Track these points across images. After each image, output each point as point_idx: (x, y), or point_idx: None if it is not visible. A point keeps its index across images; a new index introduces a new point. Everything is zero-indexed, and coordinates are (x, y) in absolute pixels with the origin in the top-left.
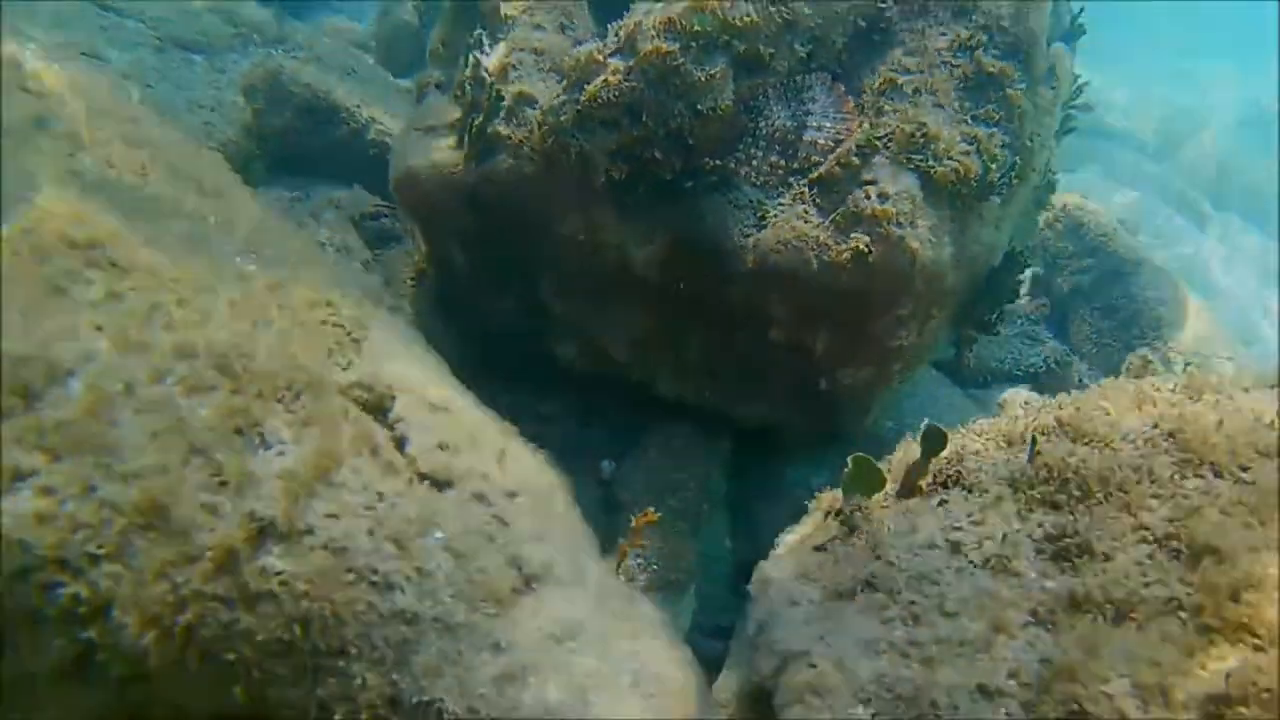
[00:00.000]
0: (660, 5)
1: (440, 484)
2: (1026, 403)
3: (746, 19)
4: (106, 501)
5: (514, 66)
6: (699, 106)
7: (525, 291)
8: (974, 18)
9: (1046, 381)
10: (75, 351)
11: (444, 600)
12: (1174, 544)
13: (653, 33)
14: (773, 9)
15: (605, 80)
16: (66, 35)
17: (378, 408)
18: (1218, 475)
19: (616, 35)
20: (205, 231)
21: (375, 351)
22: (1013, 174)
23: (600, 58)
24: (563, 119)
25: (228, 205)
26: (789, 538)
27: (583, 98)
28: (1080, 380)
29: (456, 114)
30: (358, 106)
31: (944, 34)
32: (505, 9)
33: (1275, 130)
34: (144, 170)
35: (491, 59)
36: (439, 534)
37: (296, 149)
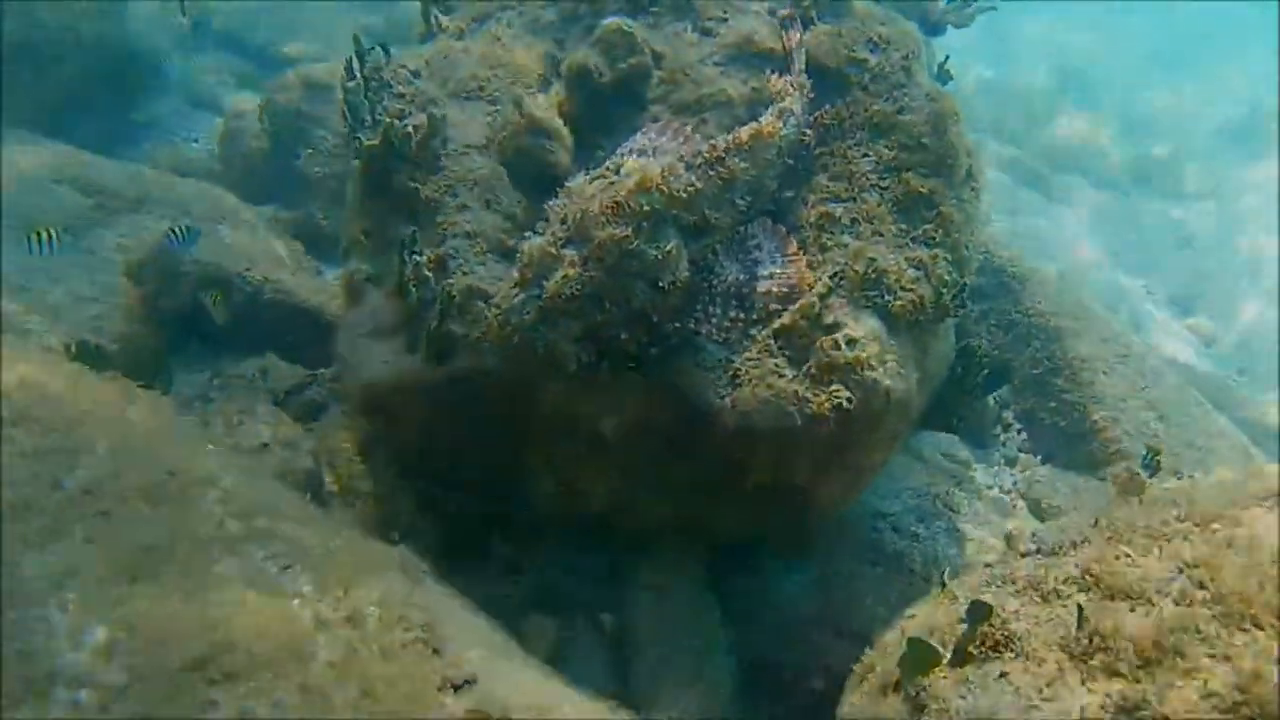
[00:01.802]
0: (599, 185)
1: None
2: (1034, 535)
3: (690, 189)
4: None
5: (451, 255)
6: (659, 283)
7: (496, 461)
8: (892, 135)
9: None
10: None
11: None
12: (1245, 711)
13: (603, 219)
14: (711, 172)
15: (564, 275)
16: None
17: None
18: (1258, 627)
19: (564, 223)
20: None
21: (461, 657)
22: (962, 293)
23: (554, 250)
24: (526, 318)
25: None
26: (845, 710)
27: (545, 295)
28: (996, 402)
29: (401, 314)
30: (248, 269)
31: (866, 155)
32: (425, 191)
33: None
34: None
35: (426, 252)
36: None
37: (195, 325)
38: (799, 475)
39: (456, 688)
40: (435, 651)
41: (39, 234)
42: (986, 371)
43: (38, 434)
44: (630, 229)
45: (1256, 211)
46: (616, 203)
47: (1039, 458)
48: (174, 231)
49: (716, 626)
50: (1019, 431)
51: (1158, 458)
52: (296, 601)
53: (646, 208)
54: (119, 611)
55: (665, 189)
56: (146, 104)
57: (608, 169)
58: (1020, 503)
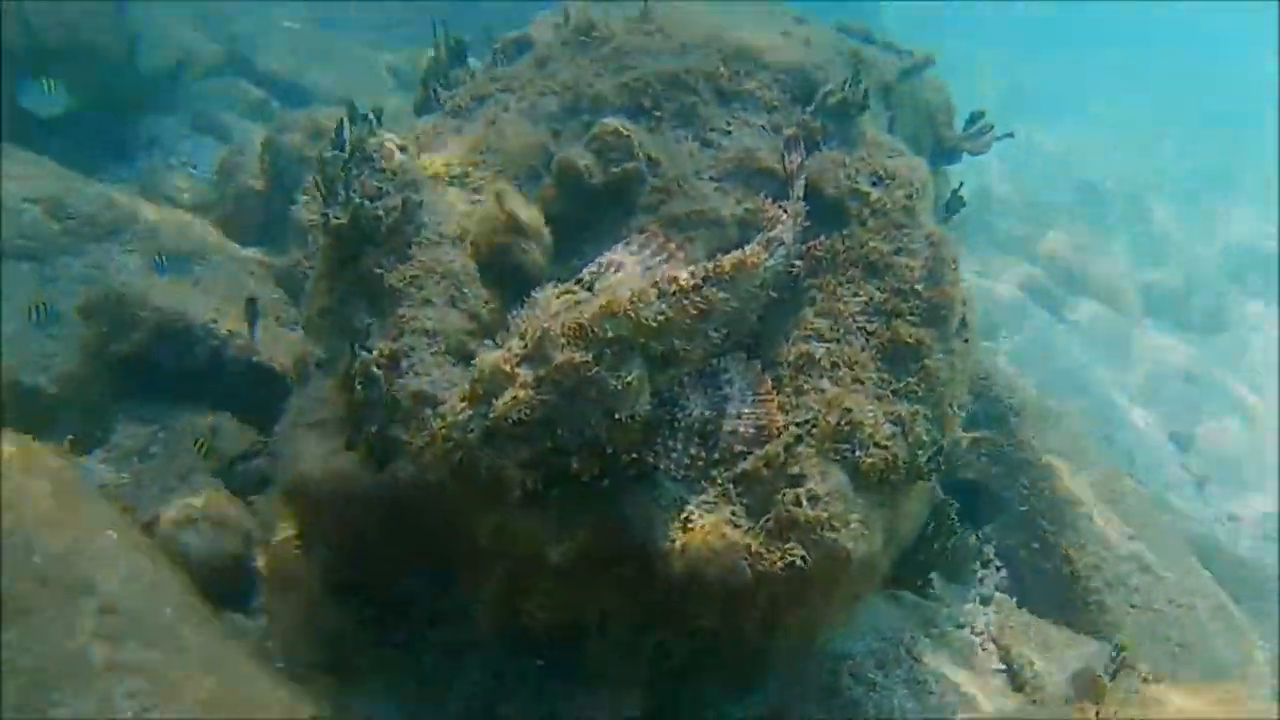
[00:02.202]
0: (565, 301)
1: None
2: None
3: (661, 317)
4: None
5: (406, 353)
6: (616, 415)
7: (435, 573)
8: (886, 278)
9: None
10: None
11: None
12: None
13: (563, 341)
14: (686, 302)
15: (515, 396)
16: None
17: None
18: None
19: (523, 339)
20: None
21: None
22: (939, 456)
23: (508, 368)
24: (470, 436)
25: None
26: None
27: (492, 415)
28: (978, 537)
29: (345, 409)
30: (214, 321)
31: (856, 294)
32: (390, 279)
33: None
34: None
35: (380, 344)
36: None
37: (148, 374)
38: (748, 629)
39: None
40: None
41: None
42: (956, 537)
43: None
44: (592, 355)
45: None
46: (580, 325)
47: (1015, 599)
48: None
49: None
50: (998, 569)
51: (1124, 654)
52: None
53: (611, 334)
54: None
55: (634, 316)
56: (148, 122)
57: (578, 283)
58: (990, 647)
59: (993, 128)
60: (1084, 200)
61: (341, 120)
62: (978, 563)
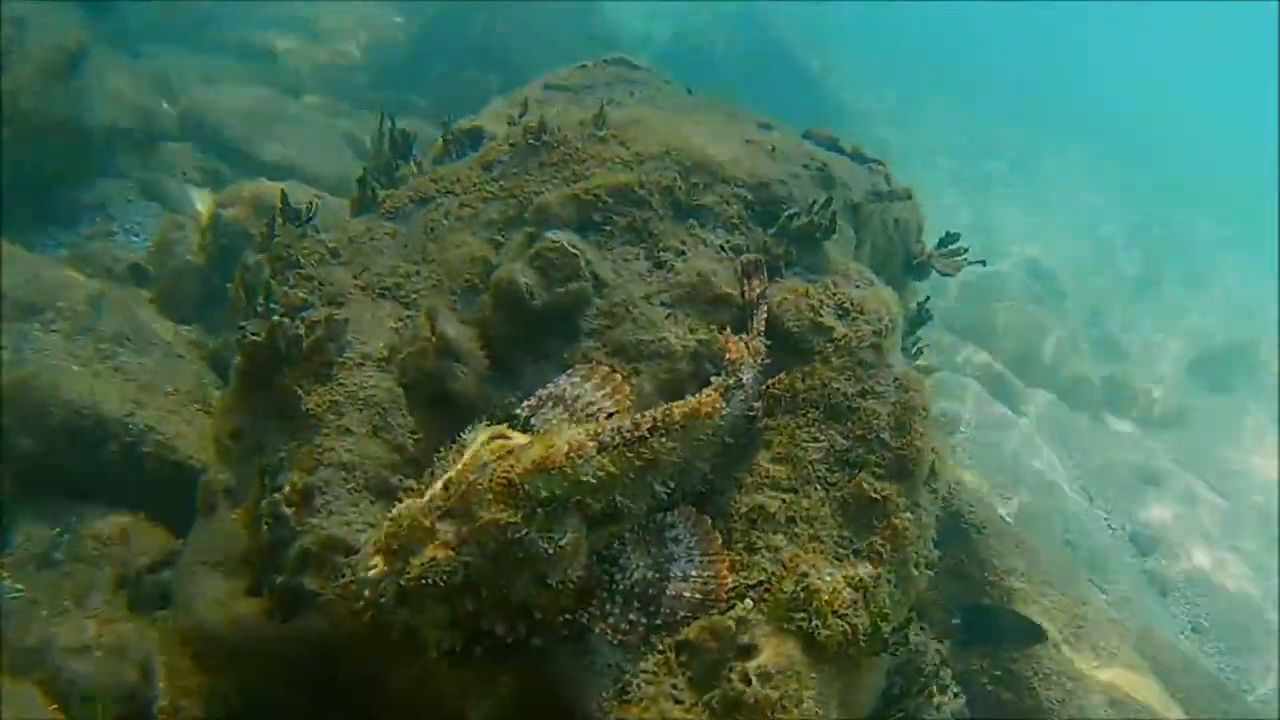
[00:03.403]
0: (495, 449)
1: None
2: None
3: (600, 473)
4: None
5: (320, 489)
6: (547, 580)
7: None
8: (850, 423)
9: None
10: None
11: None
12: None
13: (490, 497)
14: (630, 454)
15: (433, 557)
16: None
17: None
18: None
19: (447, 489)
20: None
21: None
22: (905, 629)
23: (427, 522)
24: (382, 595)
25: None
26: None
27: (407, 576)
28: (933, 663)
29: (251, 549)
30: (130, 415)
31: (817, 440)
32: (308, 403)
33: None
34: None
35: (292, 478)
36: None
37: (55, 473)
38: None
39: None
40: None
41: None
42: (927, 694)
43: None
44: (521, 515)
45: (1223, 450)
46: (508, 480)
47: None
48: None
49: None
50: (956, 695)
51: None
52: None
53: (544, 492)
54: None
55: (570, 472)
56: (94, 185)
57: (514, 421)
58: None
59: (966, 250)
60: (1041, 289)
61: (272, 218)
62: (934, 686)
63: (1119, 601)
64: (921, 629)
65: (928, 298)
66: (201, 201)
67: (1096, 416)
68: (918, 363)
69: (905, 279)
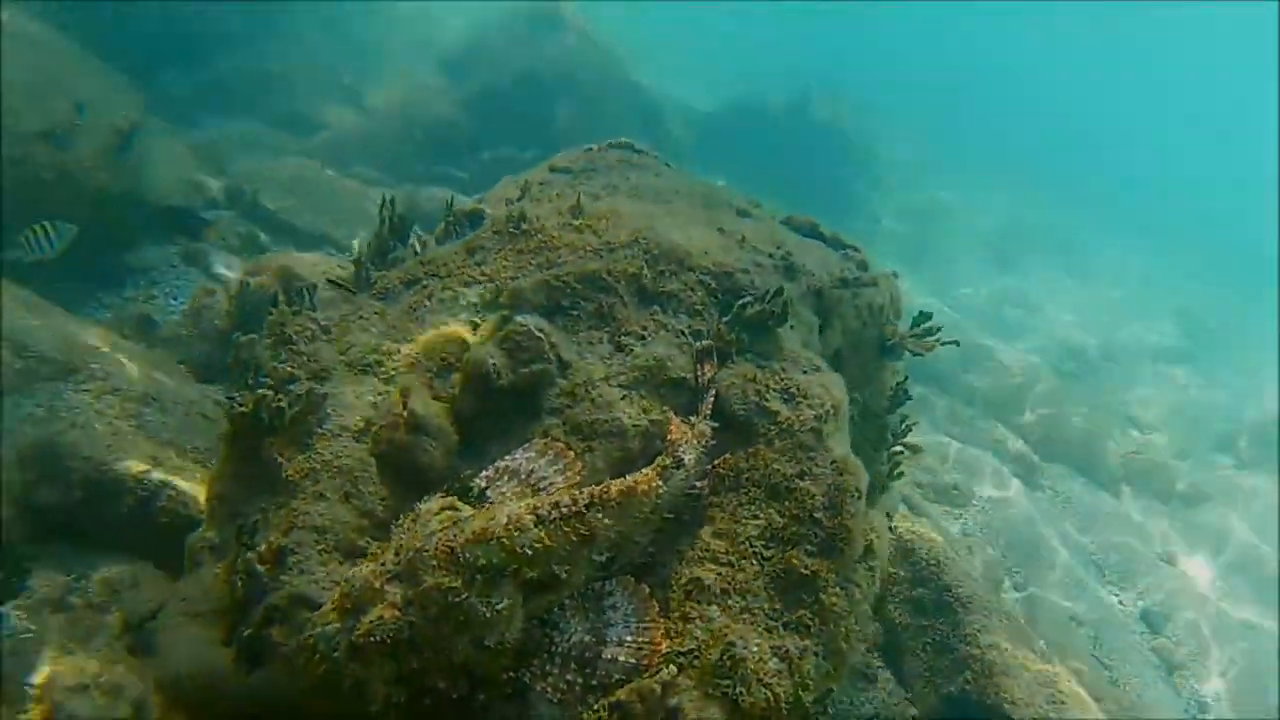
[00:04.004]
0: (442, 519)
1: None
2: None
3: (537, 544)
4: None
5: (293, 550)
6: (485, 642)
7: None
8: (787, 503)
9: None
10: None
11: None
12: None
13: (434, 563)
14: (566, 528)
15: (380, 615)
16: None
17: None
18: None
19: (397, 554)
20: None
21: None
22: (825, 699)
23: (378, 584)
24: (334, 650)
25: None
26: None
27: (357, 632)
28: None
29: (226, 602)
30: (146, 472)
31: (756, 518)
32: (287, 470)
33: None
34: None
35: (268, 537)
36: None
37: (74, 523)
38: None
39: None
40: None
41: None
42: None
43: None
44: (461, 580)
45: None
46: (450, 549)
47: None
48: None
49: None
50: None
51: None
52: None
53: (483, 560)
54: None
55: (508, 543)
56: (141, 252)
57: (468, 493)
58: None
59: (939, 329)
60: (1073, 365)
61: (276, 295)
62: None
63: (1123, 678)
64: (908, 699)
65: (905, 378)
66: (237, 269)
67: (1116, 493)
68: (906, 440)
69: (880, 360)
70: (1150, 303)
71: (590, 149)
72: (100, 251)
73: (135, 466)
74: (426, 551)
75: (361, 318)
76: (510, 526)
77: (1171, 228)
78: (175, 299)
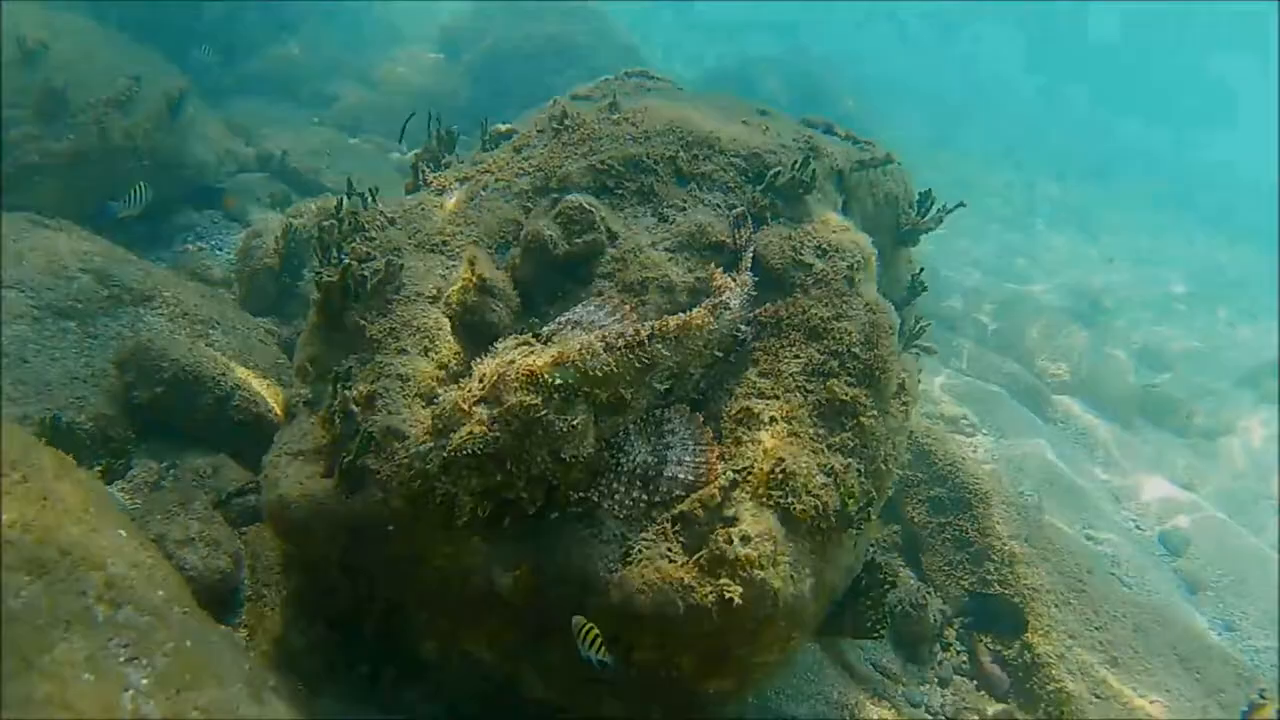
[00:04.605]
0: (521, 351)
1: None
2: None
3: (605, 369)
4: None
5: (381, 394)
6: (562, 455)
7: (391, 603)
8: (826, 342)
9: (902, 625)
10: None
11: None
12: None
13: (516, 385)
14: (631, 355)
15: (470, 432)
16: None
17: None
18: None
19: (481, 381)
20: None
21: None
22: (869, 506)
23: (466, 407)
24: (429, 465)
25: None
26: None
27: (449, 447)
28: (936, 620)
29: (325, 439)
30: (222, 375)
31: (797, 356)
32: (371, 330)
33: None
34: None
35: (359, 386)
36: None
37: (164, 418)
38: (683, 664)
39: None
40: None
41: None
42: (888, 588)
43: None
44: (540, 399)
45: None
46: (531, 371)
47: (975, 683)
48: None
49: None
50: (959, 652)
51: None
52: (128, 694)
53: (559, 381)
54: None
55: (580, 365)
56: (188, 211)
57: (536, 336)
58: None
59: (943, 206)
60: (1086, 307)
61: (341, 196)
62: (938, 644)
63: (1141, 592)
64: (929, 592)
65: (921, 269)
66: (274, 221)
67: (1132, 426)
68: (919, 342)
69: (896, 248)
70: (1165, 253)
71: (607, 79)
72: (150, 212)
73: (213, 369)
74: (509, 375)
75: (422, 209)
76: (583, 352)
77: (1182, 198)
78: (220, 250)
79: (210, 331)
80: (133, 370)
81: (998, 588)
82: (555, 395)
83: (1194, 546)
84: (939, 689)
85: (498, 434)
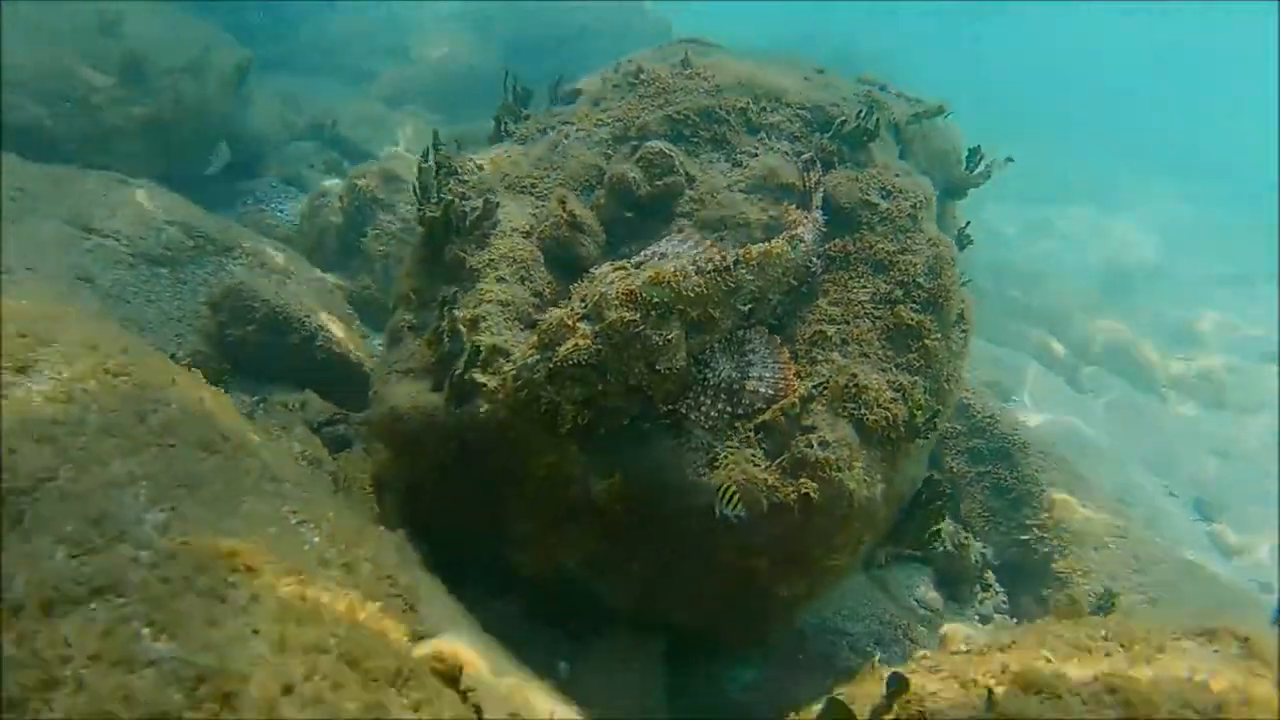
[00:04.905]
0: (619, 274)
1: None
2: (968, 638)
3: (696, 289)
4: None
5: (483, 318)
6: (657, 367)
7: (488, 510)
8: (892, 273)
9: (944, 563)
10: (247, 657)
11: None
12: None
13: (616, 302)
14: (719, 278)
15: (575, 344)
16: (59, 260)
17: (451, 678)
18: None
19: (584, 301)
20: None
21: (432, 619)
22: (934, 419)
23: (570, 323)
24: (536, 375)
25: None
26: None
27: (555, 358)
28: (977, 561)
29: (432, 359)
30: (307, 316)
31: (865, 287)
32: (471, 262)
33: None
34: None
35: (463, 311)
36: None
37: (254, 356)
38: (760, 566)
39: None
40: (411, 609)
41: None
42: (945, 500)
43: (133, 384)
44: (638, 314)
45: None
46: (631, 290)
47: (1016, 621)
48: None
49: (662, 707)
50: (998, 593)
51: (1114, 600)
52: (306, 546)
53: (655, 299)
54: (174, 506)
55: (675, 285)
56: (248, 176)
57: (629, 263)
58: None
59: (992, 161)
60: (1117, 280)
61: (431, 145)
62: (978, 585)
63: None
64: (968, 535)
65: (968, 223)
66: (332, 184)
67: (1165, 399)
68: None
69: (945, 202)
70: (1196, 231)
71: (661, 46)
72: (214, 180)
73: (299, 311)
74: (609, 294)
75: (510, 157)
76: (677, 274)
77: (1207, 172)
78: (282, 212)
79: (286, 281)
80: (226, 310)
81: (1036, 532)
82: (652, 312)
83: (1230, 514)
84: (980, 625)
85: (599, 346)
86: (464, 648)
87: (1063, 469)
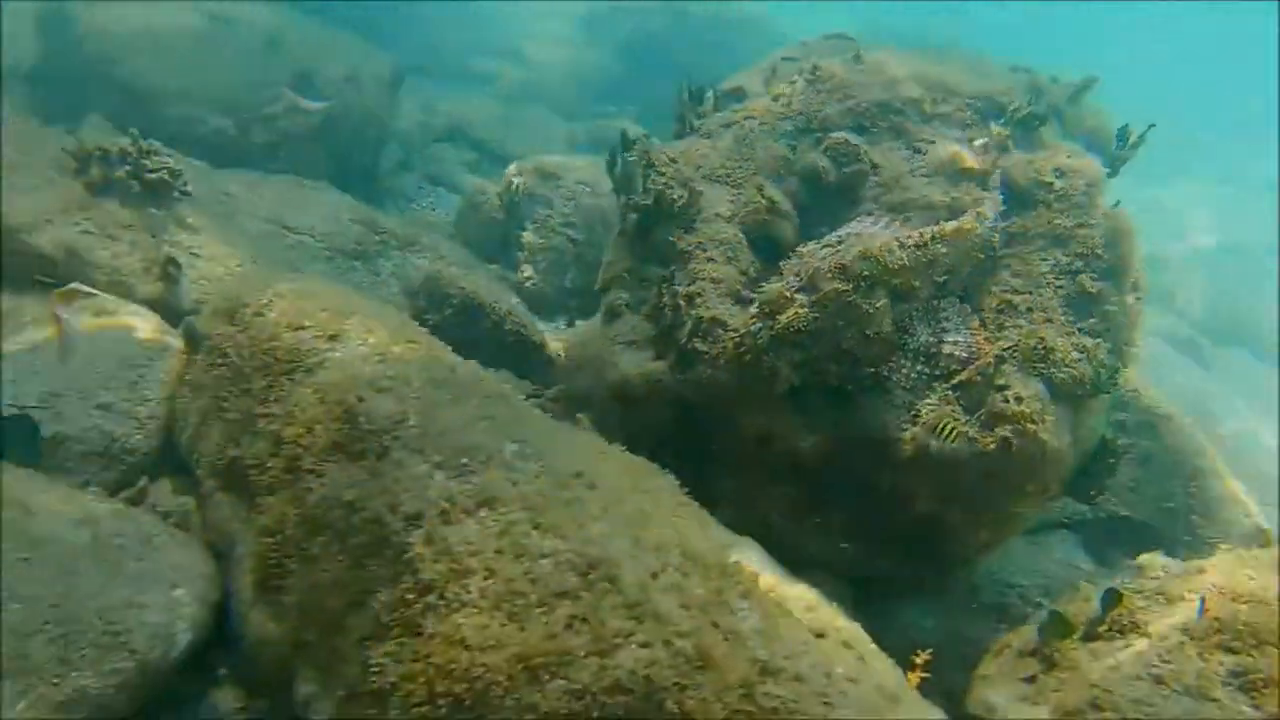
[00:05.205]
0: (828, 250)
1: None
2: (1165, 566)
3: (899, 263)
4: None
5: (699, 294)
6: (866, 332)
7: (694, 466)
8: (1070, 245)
9: (1090, 532)
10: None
11: None
12: None
13: (829, 275)
14: (918, 252)
15: (795, 313)
16: (270, 255)
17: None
18: None
19: (797, 275)
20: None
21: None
22: (1115, 375)
23: (788, 294)
24: (759, 341)
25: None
26: (985, 670)
27: (776, 325)
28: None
29: (653, 331)
30: (496, 301)
31: (1045, 259)
32: (681, 245)
33: None
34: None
35: (680, 287)
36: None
37: (450, 339)
38: (953, 515)
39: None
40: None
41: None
42: (1118, 458)
43: (425, 349)
44: (850, 285)
45: None
46: (842, 264)
47: None
48: None
49: None
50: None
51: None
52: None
53: (865, 272)
54: (522, 439)
55: (880, 259)
56: (393, 177)
57: (831, 242)
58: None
59: (1140, 137)
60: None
61: (621, 140)
62: (1124, 552)
63: None
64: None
65: (1118, 201)
66: (472, 183)
67: None
68: None
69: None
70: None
71: (804, 42)
72: (364, 177)
73: (489, 296)
74: (822, 268)
75: (698, 150)
76: (882, 248)
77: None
78: (435, 209)
79: (467, 272)
80: (424, 297)
81: (1185, 498)
82: (862, 283)
83: None
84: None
85: (816, 314)
86: (755, 559)
87: (1203, 441)
